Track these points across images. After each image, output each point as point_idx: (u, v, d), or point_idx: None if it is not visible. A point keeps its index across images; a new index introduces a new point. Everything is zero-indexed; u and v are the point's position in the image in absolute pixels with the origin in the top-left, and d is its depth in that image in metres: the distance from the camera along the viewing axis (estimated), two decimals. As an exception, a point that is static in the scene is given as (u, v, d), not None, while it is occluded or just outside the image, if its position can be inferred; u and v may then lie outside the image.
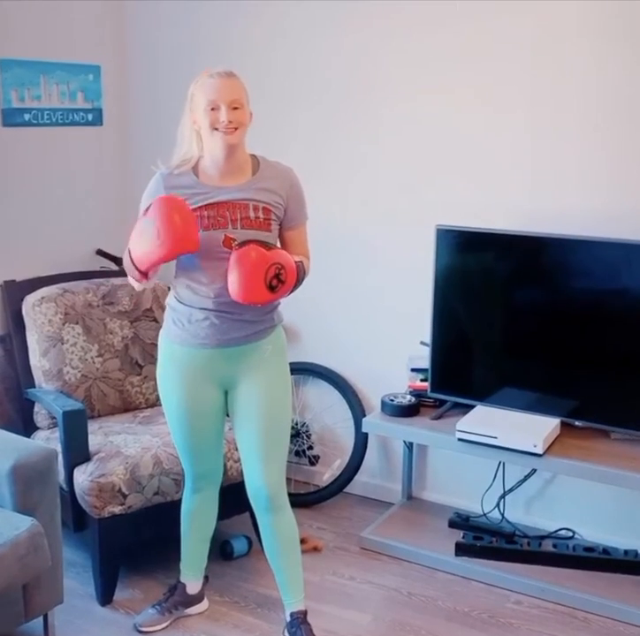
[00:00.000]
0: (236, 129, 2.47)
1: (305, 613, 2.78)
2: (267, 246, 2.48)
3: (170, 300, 2.69)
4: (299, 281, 2.57)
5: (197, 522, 2.90)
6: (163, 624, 2.92)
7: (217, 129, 2.46)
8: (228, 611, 3.03)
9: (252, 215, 2.53)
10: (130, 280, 2.64)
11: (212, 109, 2.46)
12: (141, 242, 2.47)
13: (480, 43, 3.29)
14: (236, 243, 2.48)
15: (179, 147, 2.59)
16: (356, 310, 3.74)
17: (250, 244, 2.46)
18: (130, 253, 2.52)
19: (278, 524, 2.71)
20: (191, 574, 2.97)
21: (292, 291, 2.57)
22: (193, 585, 2.98)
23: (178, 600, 2.96)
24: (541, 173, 3.29)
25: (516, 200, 3.33)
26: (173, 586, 2.99)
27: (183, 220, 2.42)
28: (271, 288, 2.44)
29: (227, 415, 2.77)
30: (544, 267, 3.22)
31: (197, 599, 3.00)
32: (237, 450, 3.04)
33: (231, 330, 2.58)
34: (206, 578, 3.02)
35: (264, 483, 2.65)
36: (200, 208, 2.51)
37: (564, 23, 3.14)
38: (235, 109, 2.47)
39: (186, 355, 2.64)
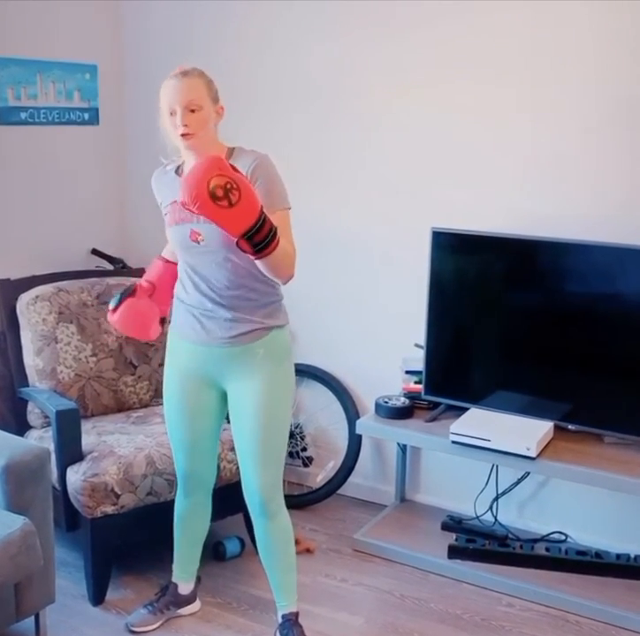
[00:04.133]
0: (194, 134, 2.42)
1: (297, 615, 2.78)
2: (234, 167, 2.30)
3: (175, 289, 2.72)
4: (267, 242, 2.28)
5: (189, 526, 2.90)
6: (155, 625, 2.91)
7: (179, 135, 2.43)
8: (220, 612, 3.03)
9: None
10: None
11: (171, 113, 2.44)
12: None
13: (478, 44, 3.30)
14: (201, 238, 2.47)
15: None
16: (351, 312, 3.74)
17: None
18: None
19: (272, 528, 2.70)
20: (183, 575, 2.97)
21: (263, 254, 2.30)
22: (185, 585, 2.97)
23: (170, 600, 2.96)
24: (537, 176, 3.29)
25: (512, 203, 3.33)
26: (165, 586, 2.99)
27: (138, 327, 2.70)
28: (214, 198, 2.19)
29: (227, 419, 2.77)
30: (539, 270, 3.23)
31: (189, 599, 2.99)
32: (231, 450, 3.05)
33: (216, 329, 2.56)
34: (198, 579, 3.02)
35: (258, 488, 2.64)
36: (171, 204, 2.55)
37: (563, 24, 3.14)
38: (192, 111, 2.42)
39: (183, 349, 2.66)
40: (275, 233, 2.31)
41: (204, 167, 2.23)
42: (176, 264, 2.71)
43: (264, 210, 2.30)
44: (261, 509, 2.66)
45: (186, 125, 2.41)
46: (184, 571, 2.96)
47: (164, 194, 2.63)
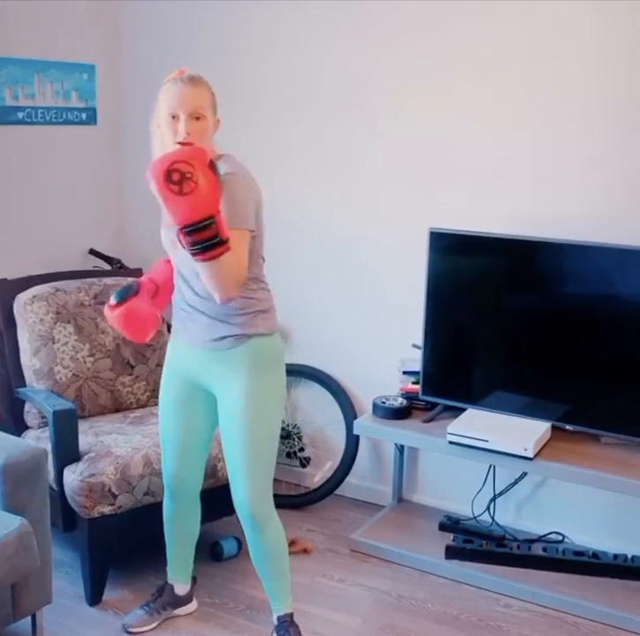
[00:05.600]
0: (193, 143, 2.37)
1: (291, 615, 2.77)
2: (213, 166, 2.24)
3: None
4: (206, 247, 2.21)
5: (179, 529, 2.88)
6: (152, 625, 2.91)
7: (177, 142, 2.38)
8: (217, 612, 3.02)
9: None
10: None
11: (173, 117, 2.39)
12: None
13: (477, 46, 3.30)
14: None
15: (153, 149, 2.57)
16: (348, 312, 3.74)
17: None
18: None
19: (262, 540, 2.66)
20: (178, 577, 2.96)
21: (199, 256, 2.23)
22: (181, 586, 2.97)
23: (166, 601, 2.95)
24: (535, 177, 3.29)
25: (510, 204, 3.33)
26: (161, 586, 2.98)
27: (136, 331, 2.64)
28: (168, 179, 2.17)
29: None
30: (536, 271, 3.23)
31: (186, 600, 2.99)
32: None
33: (196, 331, 2.56)
34: (194, 579, 3.02)
35: (246, 501, 2.60)
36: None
37: (562, 29, 3.15)
38: (197, 119, 2.39)
39: (177, 348, 2.69)
40: (221, 244, 2.22)
41: (179, 151, 2.24)
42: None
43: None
44: (250, 521, 2.62)
45: (188, 133, 2.38)
46: (178, 573, 2.96)
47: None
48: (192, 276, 2.52)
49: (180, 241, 2.26)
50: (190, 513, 2.88)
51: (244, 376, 2.53)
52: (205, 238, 2.21)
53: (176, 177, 2.16)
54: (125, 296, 2.63)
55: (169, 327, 2.80)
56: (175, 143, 2.39)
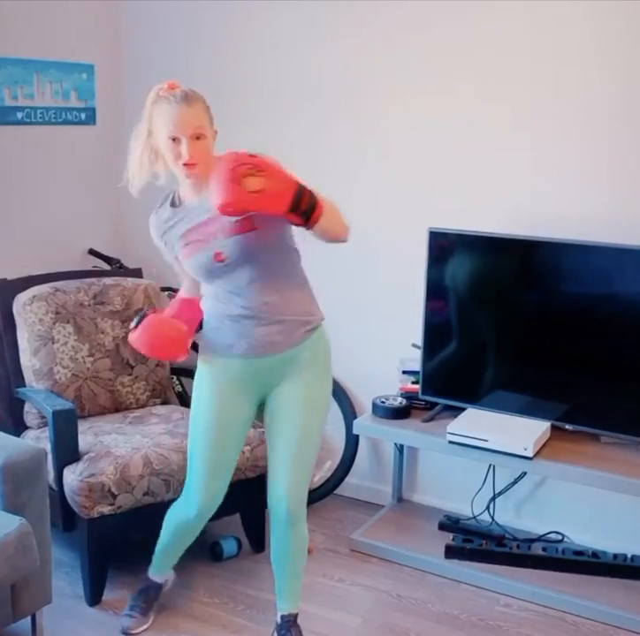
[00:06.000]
0: (198, 163, 2.37)
1: (296, 616, 2.77)
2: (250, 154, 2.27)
3: (205, 310, 2.60)
4: (314, 205, 2.26)
5: (188, 536, 2.84)
6: (149, 622, 2.91)
7: (182, 164, 2.37)
8: (217, 612, 3.02)
9: (229, 220, 2.39)
10: None
11: (173, 139, 2.36)
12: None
13: (477, 46, 3.30)
14: (225, 255, 2.42)
15: (130, 162, 2.49)
16: (348, 312, 3.74)
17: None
18: None
19: (292, 536, 2.67)
20: (165, 571, 2.97)
21: (314, 220, 2.28)
22: (163, 576, 2.98)
23: (153, 596, 2.95)
24: (536, 176, 3.29)
25: (509, 204, 3.33)
26: (143, 588, 2.96)
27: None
28: (249, 193, 2.18)
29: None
30: (537, 270, 3.23)
31: (167, 581, 3.00)
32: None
33: (262, 337, 2.50)
34: None
35: (286, 495, 2.59)
36: (182, 236, 2.49)
37: (565, 26, 3.15)
38: (197, 138, 2.37)
39: (222, 365, 2.58)
40: (314, 195, 2.28)
41: (225, 170, 2.19)
42: (197, 299, 2.66)
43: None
44: (285, 517, 2.61)
45: (192, 156, 2.35)
46: (166, 568, 2.96)
47: (175, 231, 2.53)
48: (247, 286, 2.45)
49: (293, 223, 2.30)
50: (204, 523, 2.81)
51: (306, 373, 2.57)
52: (308, 200, 2.25)
53: (255, 186, 2.18)
54: (142, 316, 2.58)
55: (195, 346, 2.69)
56: (180, 165, 2.37)
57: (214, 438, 2.63)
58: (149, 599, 2.95)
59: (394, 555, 3.36)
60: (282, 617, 2.76)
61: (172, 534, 2.85)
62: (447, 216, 3.37)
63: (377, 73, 3.51)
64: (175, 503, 2.83)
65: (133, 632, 2.88)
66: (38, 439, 3.20)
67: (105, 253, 4.01)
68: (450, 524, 3.46)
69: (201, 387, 2.64)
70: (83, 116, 3.93)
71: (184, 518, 2.77)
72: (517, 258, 3.24)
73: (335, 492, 3.79)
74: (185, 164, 2.37)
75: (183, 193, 2.53)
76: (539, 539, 3.38)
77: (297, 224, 2.31)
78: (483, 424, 3.19)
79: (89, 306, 3.46)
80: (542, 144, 3.26)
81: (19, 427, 3.34)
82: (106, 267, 3.94)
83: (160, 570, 2.96)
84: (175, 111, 2.37)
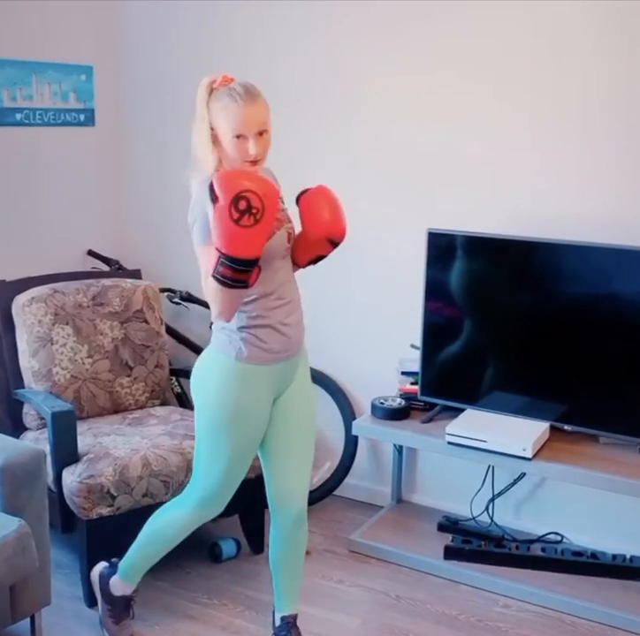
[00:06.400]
0: (263, 159, 2.38)
1: (295, 617, 2.77)
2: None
3: (236, 321, 2.44)
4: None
5: (173, 543, 2.73)
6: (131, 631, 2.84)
7: (246, 161, 2.35)
8: (216, 613, 3.02)
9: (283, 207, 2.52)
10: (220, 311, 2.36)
11: (237, 136, 2.33)
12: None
13: (477, 46, 3.30)
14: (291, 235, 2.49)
15: (193, 160, 2.45)
16: (347, 313, 3.74)
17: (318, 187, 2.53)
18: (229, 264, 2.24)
19: (300, 537, 2.67)
20: (132, 583, 2.79)
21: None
22: (129, 588, 2.80)
23: (124, 606, 2.81)
24: (535, 177, 3.29)
25: (508, 205, 3.34)
26: (119, 609, 2.81)
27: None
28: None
29: None
30: (534, 271, 3.23)
31: (133, 587, 2.82)
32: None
33: (295, 336, 2.50)
34: None
35: (294, 499, 2.59)
36: None
37: (565, 26, 3.15)
38: (261, 134, 2.36)
39: (262, 375, 2.48)
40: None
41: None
42: None
43: None
44: (293, 519, 2.60)
45: (257, 153, 2.35)
46: (135, 579, 2.79)
47: None
48: (288, 278, 2.49)
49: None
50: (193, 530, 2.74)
51: (307, 373, 2.64)
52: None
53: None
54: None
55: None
56: (244, 162, 2.35)
57: (247, 452, 2.56)
58: (120, 609, 2.79)
59: (393, 556, 3.36)
60: (282, 618, 2.75)
61: (158, 539, 2.71)
62: (447, 217, 3.37)
63: (376, 74, 3.51)
64: (167, 506, 2.71)
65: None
66: (37, 440, 3.20)
67: (104, 254, 4.01)
68: (449, 525, 3.46)
69: (242, 407, 2.48)
70: (82, 117, 3.93)
71: (180, 522, 2.66)
72: (516, 259, 3.24)
73: (334, 493, 3.79)
74: (251, 161, 2.36)
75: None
76: (538, 540, 3.38)
77: (320, 257, 2.58)
78: (482, 425, 3.19)
79: (88, 307, 3.46)
80: (542, 144, 3.26)
81: (18, 429, 3.34)
82: (105, 268, 3.94)
83: (133, 579, 2.78)
84: (241, 110, 2.33)
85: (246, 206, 2.15)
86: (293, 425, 2.60)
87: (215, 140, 2.40)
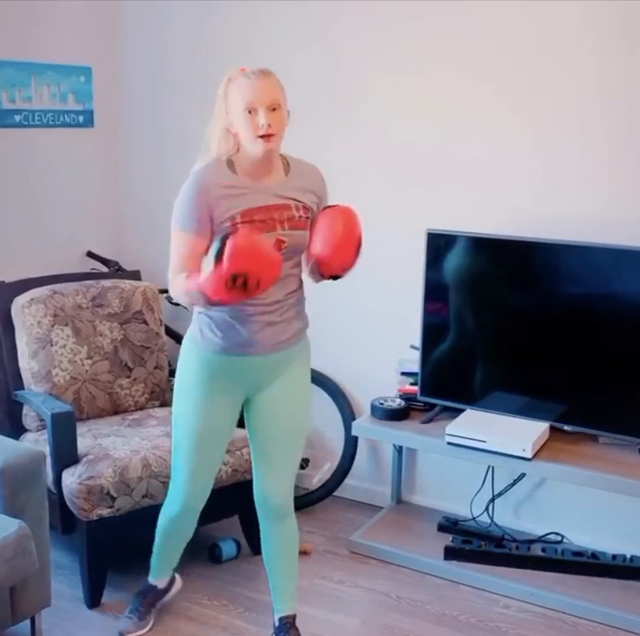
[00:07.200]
0: (276, 134, 2.37)
1: (294, 618, 2.77)
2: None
3: (201, 307, 2.53)
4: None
5: (179, 534, 2.84)
6: (148, 627, 2.90)
7: (258, 137, 2.35)
8: (216, 614, 3.02)
9: (295, 214, 2.47)
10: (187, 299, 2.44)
11: (249, 111, 2.35)
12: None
13: (477, 46, 3.30)
14: (285, 245, 2.43)
15: (204, 150, 2.47)
16: (346, 313, 3.74)
17: (343, 206, 2.46)
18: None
19: (281, 531, 2.70)
20: (163, 575, 2.95)
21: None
22: (163, 581, 2.96)
23: (151, 600, 2.94)
24: (534, 177, 3.30)
25: (508, 205, 3.34)
26: (142, 591, 2.95)
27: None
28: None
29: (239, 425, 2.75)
30: (534, 271, 3.23)
31: (169, 588, 2.98)
32: (227, 452, 3.05)
33: (268, 337, 2.51)
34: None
35: (273, 491, 2.64)
36: (245, 212, 2.41)
37: (565, 26, 3.15)
38: (274, 110, 2.36)
39: (222, 364, 2.54)
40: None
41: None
42: None
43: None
44: (273, 512, 2.66)
45: (269, 125, 2.34)
46: (165, 572, 2.94)
47: (236, 202, 2.41)
48: (280, 281, 2.44)
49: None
50: (192, 525, 2.83)
51: (302, 370, 2.64)
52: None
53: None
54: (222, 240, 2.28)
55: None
56: (256, 138, 2.35)
57: (202, 442, 2.63)
58: (147, 602, 2.93)
59: (393, 556, 3.36)
60: (280, 619, 2.76)
61: (162, 534, 2.84)
62: (446, 217, 3.37)
63: (375, 74, 3.51)
64: (164, 502, 2.82)
65: (129, 635, 2.86)
66: (37, 442, 3.19)
67: (103, 255, 4.01)
68: (449, 525, 3.46)
69: (190, 386, 2.60)
70: (81, 118, 3.93)
71: (170, 515, 2.78)
72: (516, 259, 3.24)
73: (334, 494, 3.79)
74: (262, 137, 2.35)
75: (244, 167, 2.44)
76: (538, 540, 3.38)
77: (333, 276, 2.54)
78: (481, 425, 3.19)
79: (88, 308, 3.46)
80: (541, 145, 3.26)
81: (17, 430, 3.34)
82: (104, 269, 3.94)
83: (156, 573, 2.94)
84: (252, 83, 2.38)
85: (242, 282, 2.20)
86: (276, 422, 2.62)
87: (228, 134, 2.42)
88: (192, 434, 2.61)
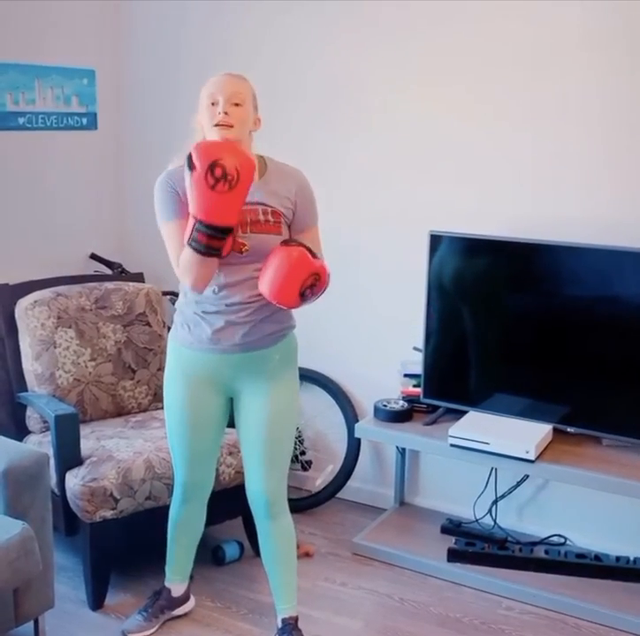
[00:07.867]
0: (232, 126, 2.38)
1: (296, 619, 2.78)
2: (311, 252, 2.42)
3: (179, 303, 2.66)
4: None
5: (185, 531, 2.89)
6: (151, 630, 2.90)
7: (215, 125, 2.38)
8: (220, 617, 3.02)
9: (262, 218, 2.48)
10: (192, 278, 2.44)
11: (212, 104, 2.40)
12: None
13: (477, 47, 3.30)
14: (245, 248, 2.43)
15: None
16: (349, 315, 3.75)
17: (298, 246, 2.42)
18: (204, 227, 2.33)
19: (275, 530, 2.72)
20: (177, 578, 2.96)
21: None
22: (178, 587, 2.97)
23: (163, 604, 2.94)
24: (536, 179, 3.30)
25: (510, 206, 3.34)
26: (158, 591, 2.97)
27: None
28: (302, 296, 2.40)
29: (231, 425, 2.77)
30: (538, 273, 3.23)
31: (183, 599, 2.99)
32: (230, 454, 3.06)
33: (234, 336, 2.54)
34: (191, 577, 3.01)
35: (264, 490, 2.66)
36: None
37: (565, 29, 3.15)
38: (236, 105, 2.40)
39: (192, 359, 2.62)
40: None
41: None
42: None
43: (303, 226, 2.55)
44: (265, 511, 2.68)
45: (226, 113, 2.38)
46: (178, 574, 2.95)
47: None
48: (244, 282, 2.49)
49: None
50: (199, 516, 2.88)
51: (276, 372, 2.63)
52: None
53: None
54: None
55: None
56: (213, 126, 2.40)
57: (190, 431, 2.70)
58: (159, 605, 2.94)
59: (396, 558, 3.35)
60: (282, 620, 2.77)
61: (171, 529, 2.88)
62: (448, 219, 3.37)
63: (377, 75, 3.52)
64: (172, 498, 2.89)
65: (131, 635, 2.86)
66: (40, 444, 3.20)
67: (107, 257, 4.02)
68: (452, 527, 3.46)
69: (172, 381, 2.70)
70: (84, 121, 3.94)
71: (175, 506, 2.85)
72: (518, 261, 3.24)
73: (337, 496, 3.79)
74: (218, 125, 2.38)
75: None
76: (542, 542, 3.38)
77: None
78: (484, 427, 3.19)
79: (91, 310, 3.47)
80: (542, 147, 3.26)
81: (21, 432, 3.34)
82: (108, 271, 3.94)
83: (171, 570, 2.95)
84: (219, 79, 2.46)
85: (221, 173, 2.24)
86: (260, 423, 2.64)
87: (197, 129, 2.50)
88: (179, 425, 2.70)
